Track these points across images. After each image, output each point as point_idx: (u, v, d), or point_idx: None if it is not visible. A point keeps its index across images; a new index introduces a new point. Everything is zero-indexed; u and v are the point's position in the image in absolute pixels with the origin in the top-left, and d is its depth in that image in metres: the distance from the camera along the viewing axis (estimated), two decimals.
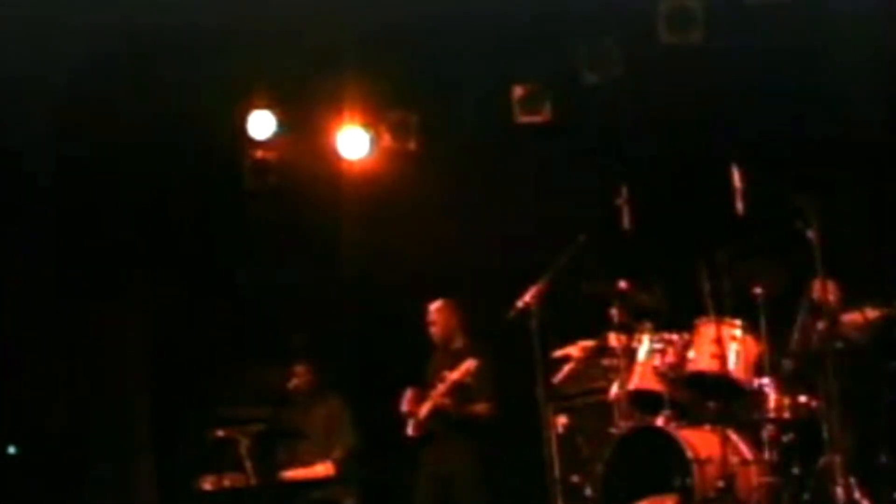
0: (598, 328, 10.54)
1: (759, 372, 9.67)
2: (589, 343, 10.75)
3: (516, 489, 11.02)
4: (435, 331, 11.17)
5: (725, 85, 11.18)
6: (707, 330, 9.77)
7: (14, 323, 12.29)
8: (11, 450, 12.07)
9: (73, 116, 11.52)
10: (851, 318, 9.76)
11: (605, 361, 10.44)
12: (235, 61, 11.23)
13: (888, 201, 10.92)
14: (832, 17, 10.62)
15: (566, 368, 10.83)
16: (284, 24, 10.84)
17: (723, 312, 9.75)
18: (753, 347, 9.71)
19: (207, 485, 10.82)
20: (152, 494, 12.20)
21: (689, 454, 9.36)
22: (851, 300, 9.84)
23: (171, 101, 11.47)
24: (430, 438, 10.94)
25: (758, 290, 9.61)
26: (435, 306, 11.19)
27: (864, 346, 9.70)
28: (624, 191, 10.19)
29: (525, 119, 11.79)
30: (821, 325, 9.55)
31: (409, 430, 10.97)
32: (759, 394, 9.63)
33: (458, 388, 10.76)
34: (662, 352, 9.92)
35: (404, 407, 10.99)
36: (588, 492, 10.16)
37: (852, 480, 9.10)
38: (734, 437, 9.61)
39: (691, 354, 9.81)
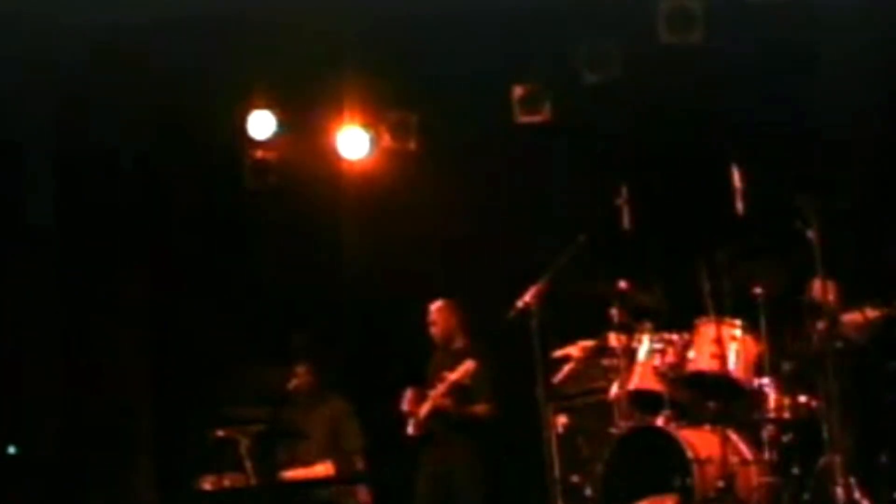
0: (598, 328, 10.53)
1: (759, 372, 9.67)
2: (589, 343, 10.75)
3: (516, 489, 11.02)
4: (435, 331, 11.18)
5: (725, 85, 11.18)
6: (707, 330, 9.77)
7: (14, 323, 12.29)
8: (11, 450, 12.07)
9: (72, 116, 11.52)
10: (851, 318, 9.76)
11: (605, 361, 10.44)
12: (235, 61, 11.23)
13: (888, 201, 10.92)
14: (832, 16, 10.62)
15: (566, 368, 10.82)
16: (285, 24, 10.84)
17: (723, 312, 9.75)
18: (753, 347, 9.71)
19: (207, 485, 10.80)
20: (152, 494, 12.19)
21: (689, 454, 9.36)
22: (851, 300, 9.84)
23: (171, 101, 11.48)
24: (430, 438, 10.95)
25: (758, 290, 9.61)
26: (435, 306, 11.19)
27: (863, 346, 9.70)
28: (624, 191, 10.19)
29: (525, 119, 11.79)
30: (821, 325, 9.54)
31: (409, 430, 10.98)
32: (759, 394, 9.63)
33: (458, 389, 10.76)
34: (662, 352, 9.92)
35: (404, 407, 10.99)
36: (588, 492, 10.15)
37: (852, 480, 9.10)
38: (734, 437, 9.60)
39: (691, 354, 9.80)
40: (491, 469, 10.90)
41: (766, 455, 9.48)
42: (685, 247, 10.17)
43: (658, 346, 9.96)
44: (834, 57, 10.80)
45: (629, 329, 10.21)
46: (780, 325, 9.73)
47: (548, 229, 11.19)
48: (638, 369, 10.01)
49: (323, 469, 11.13)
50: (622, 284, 10.20)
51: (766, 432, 9.53)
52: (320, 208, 12.38)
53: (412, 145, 12.26)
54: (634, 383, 9.98)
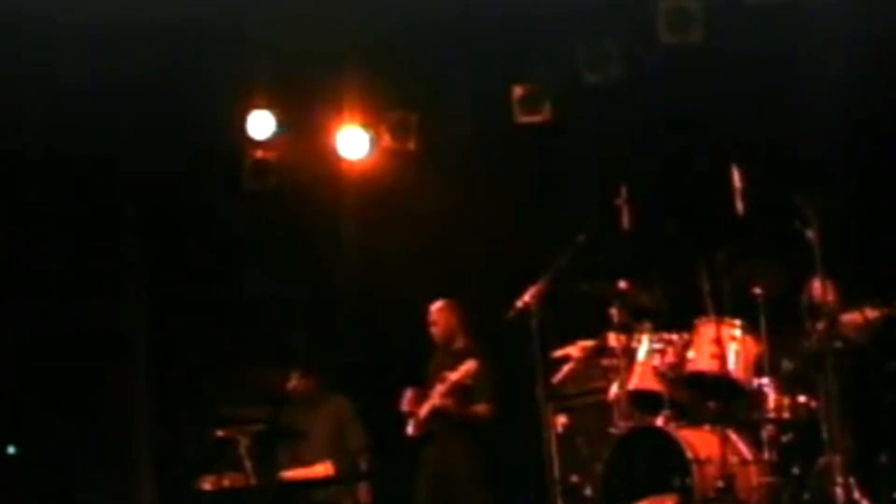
0: (598, 328, 10.53)
1: (759, 372, 9.67)
2: (589, 343, 10.75)
3: (516, 489, 11.01)
4: (436, 331, 11.18)
5: (725, 85, 11.18)
6: (707, 330, 9.77)
7: (14, 323, 12.29)
8: (11, 450, 12.07)
9: (72, 117, 11.52)
10: (851, 318, 9.76)
11: (605, 361, 10.43)
12: (235, 61, 11.23)
13: (888, 201, 10.92)
14: (832, 17, 10.62)
15: (566, 368, 10.82)
16: (285, 25, 10.84)
17: (723, 312, 9.75)
18: (753, 347, 9.71)
19: (207, 485, 10.80)
20: (152, 494, 12.20)
21: (689, 454, 9.36)
22: (851, 300, 9.84)
23: (171, 102, 11.47)
24: (431, 438, 10.95)
25: (758, 290, 9.61)
26: (436, 306, 11.19)
27: (863, 346, 9.70)
28: (624, 191, 10.18)
29: (525, 119, 11.79)
30: (820, 325, 9.54)
31: (410, 430, 10.98)
32: (759, 394, 9.63)
33: (459, 389, 10.76)
34: (662, 352, 9.92)
35: (404, 407, 10.99)
36: (588, 492, 10.16)
37: (852, 480, 9.10)
38: (734, 437, 9.60)
39: (691, 354, 9.80)
40: (491, 469, 10.90)
41: (766, 455, 9.48)
42: (685, 247, 10.17)
43: (658, 346, 9.96)
44: (833, 57, 10.79)
45: (629, 329, 10.21)
46: (780, 325, 9.73)
47: (548, 229, 11.18)
48: (638, 369, 10.00)
49: (323, 469, 11.13)
50: (622, 284, 10.19)
51: (766, 432, 9.52)
52: (320, 208, 12.38)
53: (412, 145, 12.26)
54: (634, 383, 9.98)
